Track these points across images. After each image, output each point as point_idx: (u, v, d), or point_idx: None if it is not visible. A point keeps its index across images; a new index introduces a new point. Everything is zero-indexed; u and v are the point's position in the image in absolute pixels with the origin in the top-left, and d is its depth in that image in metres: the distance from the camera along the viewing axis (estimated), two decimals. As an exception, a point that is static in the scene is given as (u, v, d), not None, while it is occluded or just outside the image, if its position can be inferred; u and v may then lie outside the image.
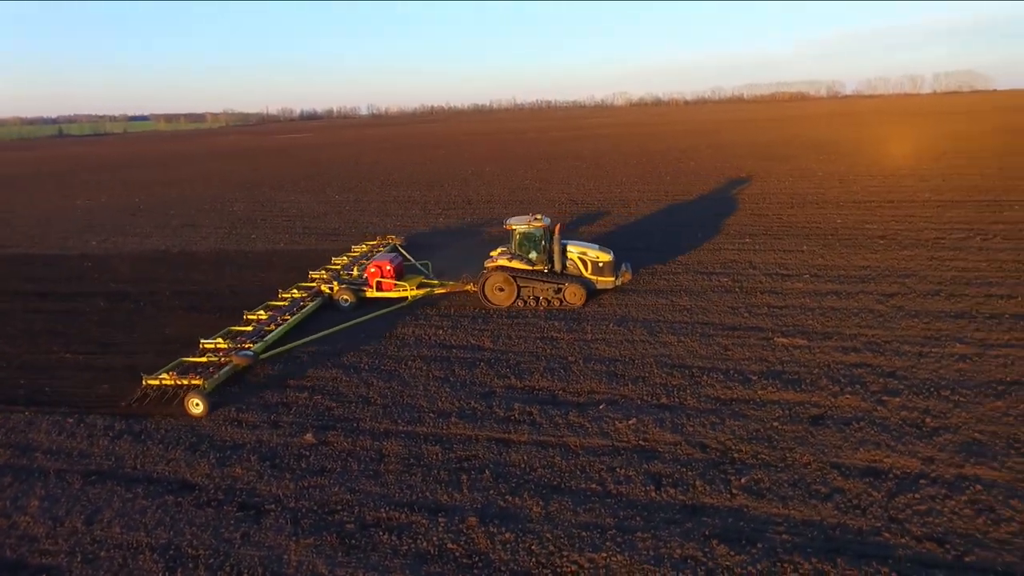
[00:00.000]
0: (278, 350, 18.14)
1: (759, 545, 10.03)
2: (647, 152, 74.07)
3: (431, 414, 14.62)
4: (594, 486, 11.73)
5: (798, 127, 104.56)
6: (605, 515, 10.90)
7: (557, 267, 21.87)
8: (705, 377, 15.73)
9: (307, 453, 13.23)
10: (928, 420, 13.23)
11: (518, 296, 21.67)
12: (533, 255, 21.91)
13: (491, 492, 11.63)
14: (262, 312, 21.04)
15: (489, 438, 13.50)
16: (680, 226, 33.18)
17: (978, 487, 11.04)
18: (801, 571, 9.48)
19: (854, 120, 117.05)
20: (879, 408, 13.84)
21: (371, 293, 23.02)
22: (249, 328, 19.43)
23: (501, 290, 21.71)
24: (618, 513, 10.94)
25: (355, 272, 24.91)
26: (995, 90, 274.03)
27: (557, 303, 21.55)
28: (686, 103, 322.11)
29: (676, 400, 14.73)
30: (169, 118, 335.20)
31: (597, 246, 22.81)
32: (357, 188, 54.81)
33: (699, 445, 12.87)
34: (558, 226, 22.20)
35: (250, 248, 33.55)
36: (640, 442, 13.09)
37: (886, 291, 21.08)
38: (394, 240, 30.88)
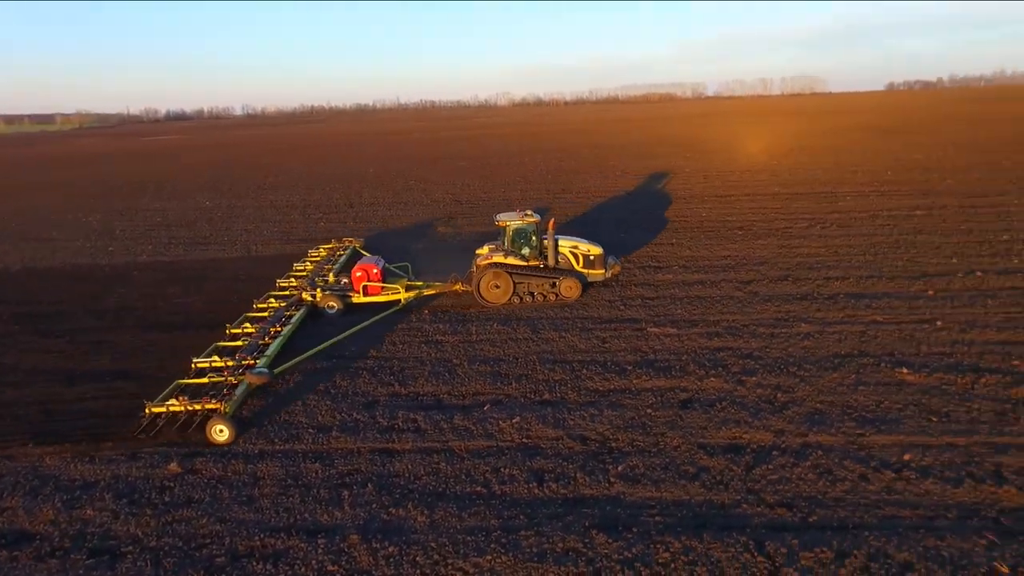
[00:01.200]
0: (291, 363, 16.84)
1: (634, 530, 10.54)
2: (529, 151, 75.64)
3: (310, 429, 14.05)
4: (479, 489, 11.81)
5: (667, 127, 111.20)
6: (490, 517, 11.00)
7: (551, 262, 21.84)
8: (585, 370, 16.31)
9: (171, 484, 12.25)
10: (779, 395, 14.54)
11: (514, 292, 21.61)
12: (526, 251, 21.98)
13: (374, 506, 11.37)
14: (248, 325, 19.37)
15: (372, 450, 13.20)
16: (561, 224, 34.16)
17: (819, 453, 12.29)
18: (672, 550, 10.06)
19: (716, 120, 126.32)
20: (739, 388, 15.02)
21: (358, 298, 22.13)
22: (240, 343, 17.95)
23: (497, 287, 21.57)
24: (502, 514, 11.08)
25: (331, 278, 23.73)
26: (830, 92, 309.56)
27: (553, 297, 21.71)
28: (566, 103, 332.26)
29: (558, 395, 15.16)
30: (9, 119, 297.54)
31: (587, 240, 22.99)
32: (230, 192, 51.62)
33: (579, 438, 13.33)
34: (552, 220, 22.36)
35: (107, 262, 30.59)
36: (523, 440, 13.34)
37: (744, 278, 22.94)
38: (353, 242, 29.54)
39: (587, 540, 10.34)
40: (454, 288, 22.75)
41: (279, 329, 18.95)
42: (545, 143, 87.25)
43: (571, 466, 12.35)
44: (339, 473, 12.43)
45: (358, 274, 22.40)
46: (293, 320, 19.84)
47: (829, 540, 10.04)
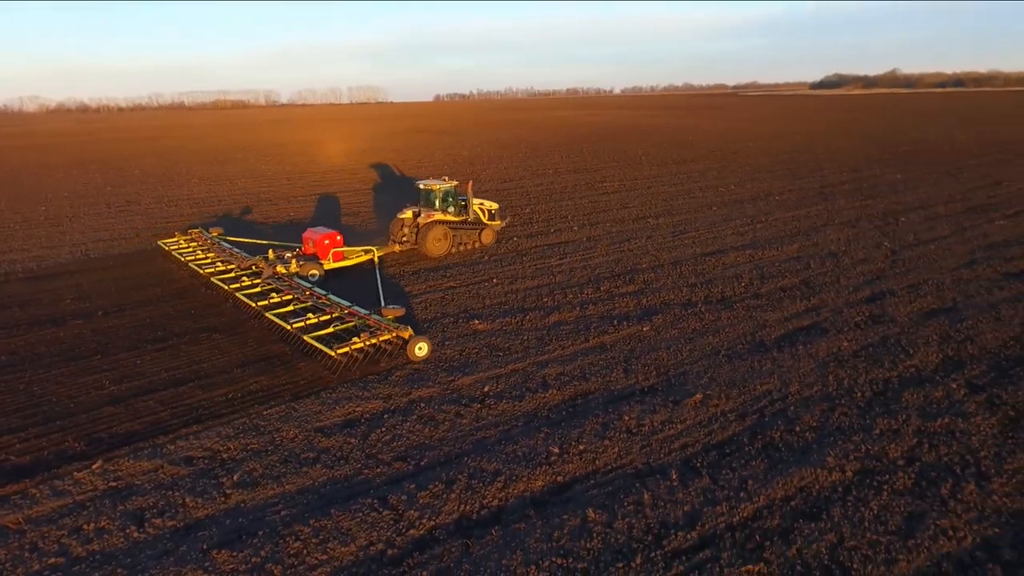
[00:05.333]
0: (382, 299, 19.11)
1: (260, 533, 10.03)
2: (78, 163, 62.74)
3: None
4: (53, 560, 9.50)
5: (244, 133, 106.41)
6: (75, 588, 8.99)
7: (470, 217, 25.71)
8: (184, 387, 14.57)
9: None
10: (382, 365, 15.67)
11: (452, 245, 24.94)
12: (452, 209, 25.55)
13: None
14: (275, 296, 19.24)
15: None
16: (115, 239, 29.50)
17: (422, 405, 13.79)
18: (302, 537, 9.94)
19: (291, 126, 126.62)
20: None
21: (329, 264, 22.96)
22: (309, 303, 18.48)
23: (439, 241, 24.55)
24: (92, 576, 9.19)
25: (271, 255, 22.82)
26: (391, 102, 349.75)
27: (478, 245, 25.87)
28: (120, 110, 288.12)
29: (150, 421, 13.19)
30: None
31: (487, 198, 27.93)
32: None
33: (183, 460, 11.94)
34: (470, 182, 26.64)
35: None
36: (111, 484, 11.25)
37: (357, 270, 23.82)
38: (215, 231, 27.56)
39: (207, 563, 9.42)
40: (393, 250, 25.01)
41: (313, 291, 19.20)
42: (102, 151, 73.64)
43: (177, 493, 11.00)
44: None
45: (325, 242, 23.02)
46: (305, 284, 20.17)
47: (439, 475, 11.42)
